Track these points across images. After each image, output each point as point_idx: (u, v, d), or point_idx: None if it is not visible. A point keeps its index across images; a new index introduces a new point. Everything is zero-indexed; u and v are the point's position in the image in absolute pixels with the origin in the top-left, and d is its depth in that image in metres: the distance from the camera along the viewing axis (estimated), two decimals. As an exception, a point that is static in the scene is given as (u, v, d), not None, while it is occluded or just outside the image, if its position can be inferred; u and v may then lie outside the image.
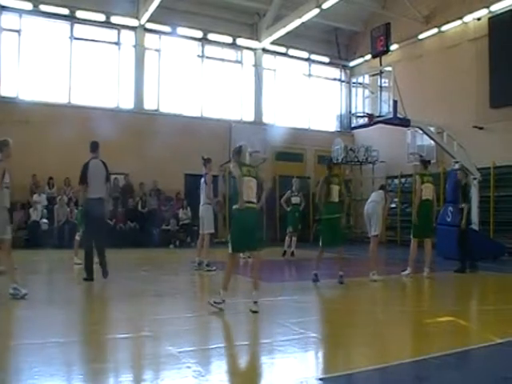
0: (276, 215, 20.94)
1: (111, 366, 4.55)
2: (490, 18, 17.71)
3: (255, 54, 22.53)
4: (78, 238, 11.92)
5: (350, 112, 17.86)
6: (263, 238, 7.03)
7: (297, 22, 19.89)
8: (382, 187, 11.24)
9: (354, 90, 16.99)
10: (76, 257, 11.68)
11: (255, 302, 6.60)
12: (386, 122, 14.11)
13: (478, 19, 18.28)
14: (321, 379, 4.09)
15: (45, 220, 16.52)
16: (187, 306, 6.80)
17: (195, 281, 10.30)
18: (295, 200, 14.61)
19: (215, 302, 6.60)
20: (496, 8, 17.49)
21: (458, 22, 19.00)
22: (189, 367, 4.40)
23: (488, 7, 17.68)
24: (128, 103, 19.86)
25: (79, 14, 18.68)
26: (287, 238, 14.56)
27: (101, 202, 9.35)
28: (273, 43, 22.21)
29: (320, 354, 5.17)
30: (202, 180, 11.11)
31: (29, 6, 17.87)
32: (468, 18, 18.61)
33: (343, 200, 9.82)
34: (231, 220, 7.25)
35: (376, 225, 10.42)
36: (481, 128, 17.63)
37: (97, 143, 9.68)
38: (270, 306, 7.43)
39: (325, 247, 9.60)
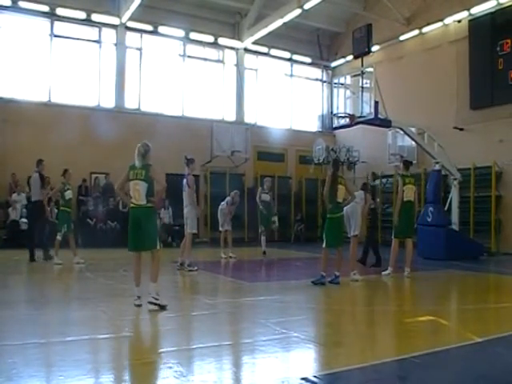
0: (257, 215, 20.88)
1: (91, 366, 4.50)
2: (470, 21, 17.91)
3: (237, 53, 22.49)
4: (59, 237, 11.88)
5: (332, 112, 17.97)
6: (154, 238, 6.81)
7: (278, 22, 19.91)
8: (364, 187, 11.27)
9: (335, 90, 17.10)
10: (56, 257, 11.62)
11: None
12: (368, 122, 14.17)
13: (459, 21, 18.48)
14: (302, 379, 4.09)
15: (24, 219, 16.31)
16: (168, 306, 6.75)
17: (177, 281, 10.24)
18: (265, 197, 14.62)
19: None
20: (476, 11, 17.68)
21: (439, 24, 19.18)
22: (170, 367, 4.38)
23: (468, 10, 17.87)
24: (109, 102, 19.70)
25: (59, 11, 18.45)
26: (262, 237, 14.59)
27: (37, 203, 12.46)
28: (255, 43, 22.20)
29: (301, 354, 5.16)
30: (184, 181, 10.99)
31: (7, 2, 17.59)
32: (448, 20, 18.81)
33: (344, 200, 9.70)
34: None
35: (356, 225, 10.47)
36: (461, 129, 17.80)
37: (40, 160, 12.59)
38: (252, 306, 7.44)
39: (329, 248, 9.46)
